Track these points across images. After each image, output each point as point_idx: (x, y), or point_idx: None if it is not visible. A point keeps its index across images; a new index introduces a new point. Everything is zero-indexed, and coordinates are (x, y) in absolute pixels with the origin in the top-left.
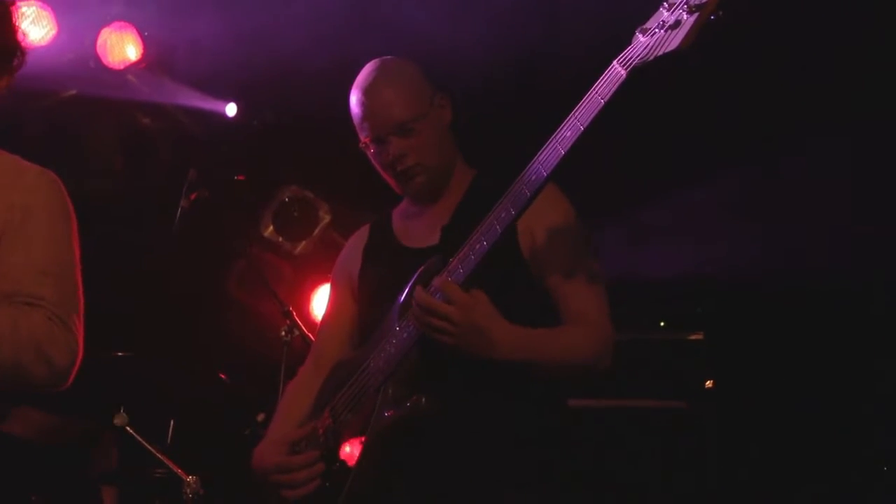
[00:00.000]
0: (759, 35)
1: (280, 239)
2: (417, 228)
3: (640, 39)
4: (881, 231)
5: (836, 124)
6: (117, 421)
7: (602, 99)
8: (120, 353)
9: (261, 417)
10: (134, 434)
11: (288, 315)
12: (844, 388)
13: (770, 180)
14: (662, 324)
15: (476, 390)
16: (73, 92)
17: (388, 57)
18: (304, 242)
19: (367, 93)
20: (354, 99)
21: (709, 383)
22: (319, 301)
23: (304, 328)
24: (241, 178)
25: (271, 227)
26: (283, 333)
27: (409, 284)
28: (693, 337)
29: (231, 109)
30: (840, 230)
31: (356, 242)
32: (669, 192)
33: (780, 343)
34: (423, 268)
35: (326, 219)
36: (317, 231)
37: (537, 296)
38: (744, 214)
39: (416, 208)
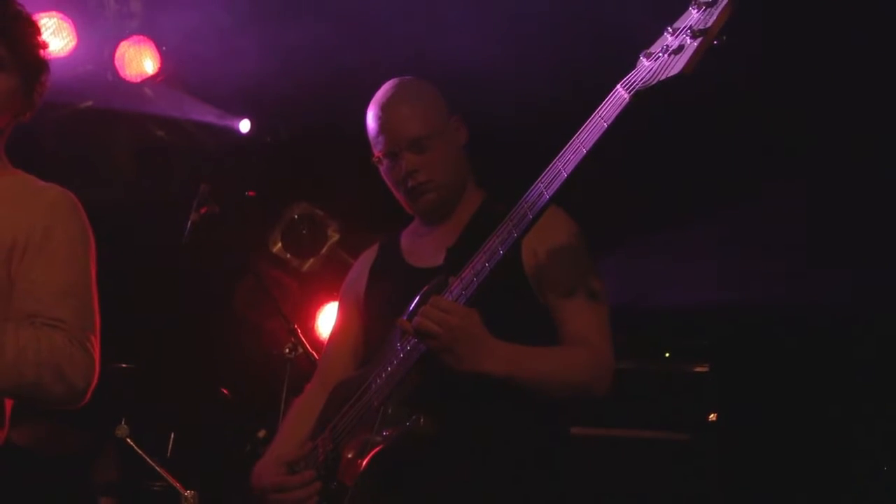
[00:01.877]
0: (764, 59)
1: (288, 256)
2: (424, 248)
3: (644, 63)
4: (885, 266)
5: (843, 158)
6: (118, 432)
7: (605, 122)
8: (123, 365)
9: (262, 434)
10: (134, 446)
11: (293, 332)
12: (849, 425)
13: (777, 214)
14: (668, 355)
15: (476, 412)
16: (90, 103)
17: (407, 76)
18: (311, 260)
19: (384, 108)
20: (371, 114)
21: (712, 416)
22: (325, 319)
23: (308, 346)
24: (251, 193)
25: (280, 244)
26: (287, 350)
27: (412, 305)
28: (698, 369)
29: (244, 125)
30: (845, 265)
31: (364, 261)
32: (679, 224)
33: (786, 378)
34: (426, 288)
35: (335, 237)
36: (325, 249)
37: (540, 316)
38: (752, 248)
39: (425, 228)
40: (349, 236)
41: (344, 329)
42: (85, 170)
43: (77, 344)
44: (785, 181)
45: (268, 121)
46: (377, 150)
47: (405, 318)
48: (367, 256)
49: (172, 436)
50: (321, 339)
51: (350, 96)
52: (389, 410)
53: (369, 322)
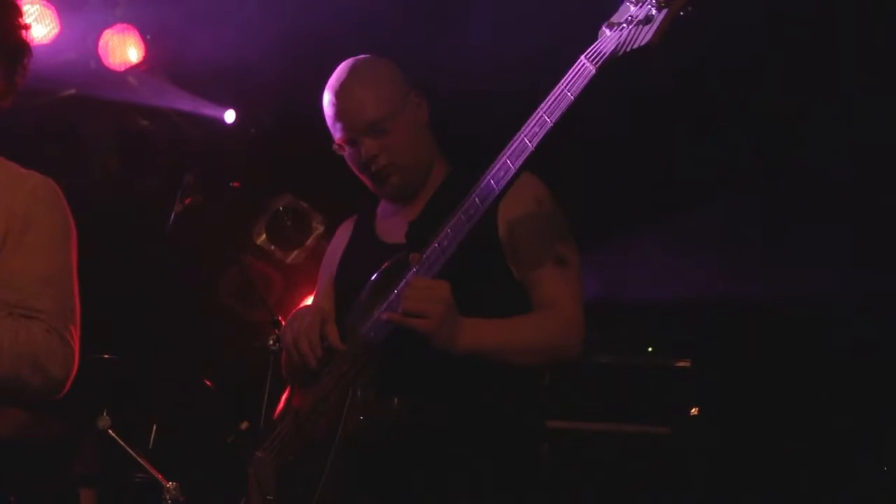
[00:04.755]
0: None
1: (272, 247)
2: (393, 224)
3: (608, 34)
4: (874, 258)
5: (831, 149)
6: (100, 423)
7: (572, 95)
8: (105, 356)
9: (245, 426)
10: (116, 437)
11: (276, 324)
12: (829, 418)
13: (763, 206)
14: (650, 349)
15: (445, 391)
16: (73, 91)
17: (362, 56)
18: (296, 252)
19: (338, 93)
20: (326, 100)
21: (694, 410)
22: None
23: None
24: (236, 184)
25: (264, 236)
26: (271, 342)
27: (370, 282)
28: (680, 363)
29: (230, 116)
30: (831, 257)
31: (342, 235)
32: (661, 217)
33: (767, 372)
34: (384, 266)
35: (320, 229)
36: (309, 241)
37: (512, 291)
38: (734, 242)
39: (395, 205)
40: (334, 228)
41: (319, 301)
42: (67, 158)
43: (56, 334)
44: (765, 176)
45: (253, 111)
46: (336, 137)
47: (364, 296)
48: (346, 228)
49: (154, 427)
50: None
51: None
52: (359, 393)
53: (339, 297)
